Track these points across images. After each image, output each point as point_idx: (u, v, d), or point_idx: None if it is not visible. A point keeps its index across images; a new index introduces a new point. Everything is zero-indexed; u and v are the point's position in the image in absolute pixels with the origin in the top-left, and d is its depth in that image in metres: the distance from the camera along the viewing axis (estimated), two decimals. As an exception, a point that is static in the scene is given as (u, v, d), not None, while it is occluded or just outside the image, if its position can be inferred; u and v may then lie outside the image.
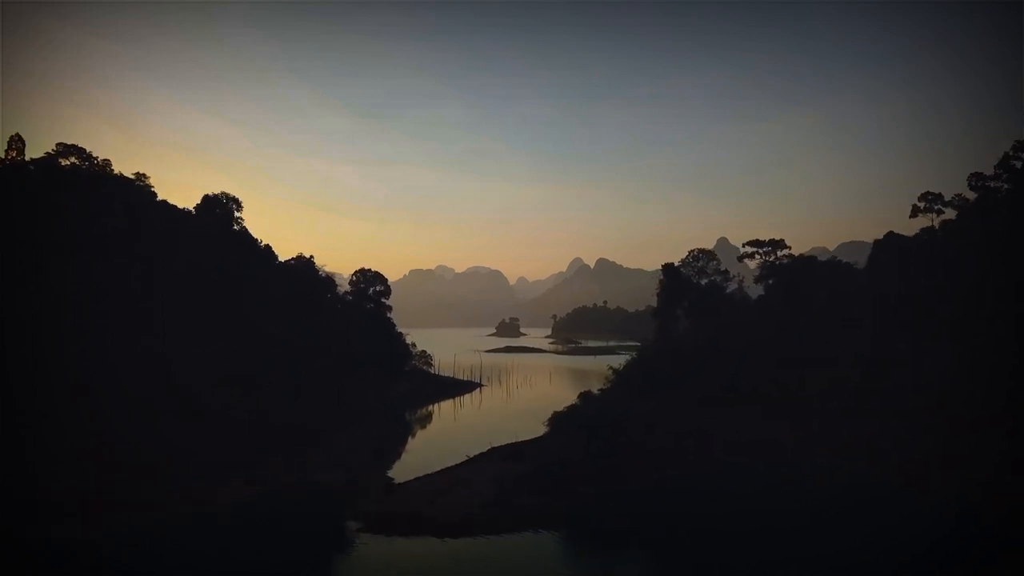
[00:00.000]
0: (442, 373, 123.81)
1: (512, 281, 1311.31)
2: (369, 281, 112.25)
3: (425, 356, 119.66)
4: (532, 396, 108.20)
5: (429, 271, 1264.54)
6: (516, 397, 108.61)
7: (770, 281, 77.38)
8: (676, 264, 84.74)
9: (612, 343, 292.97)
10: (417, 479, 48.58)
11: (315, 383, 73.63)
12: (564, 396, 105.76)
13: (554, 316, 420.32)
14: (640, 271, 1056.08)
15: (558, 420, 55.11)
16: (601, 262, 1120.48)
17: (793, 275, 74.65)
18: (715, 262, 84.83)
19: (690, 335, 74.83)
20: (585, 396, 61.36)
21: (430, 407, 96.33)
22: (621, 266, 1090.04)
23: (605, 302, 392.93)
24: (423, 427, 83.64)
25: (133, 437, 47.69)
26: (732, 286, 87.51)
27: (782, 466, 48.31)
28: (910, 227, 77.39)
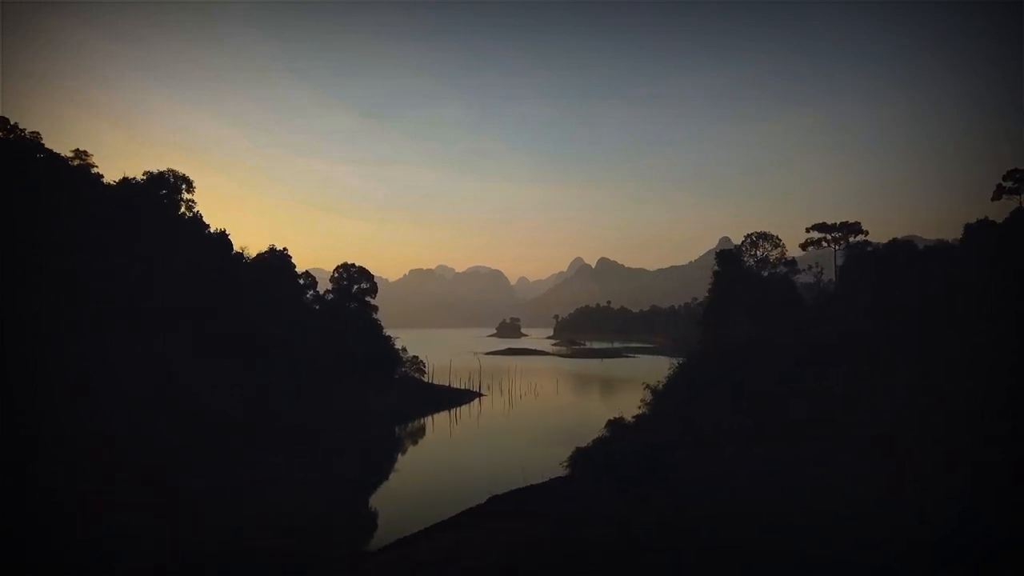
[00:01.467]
0: (436, 381, 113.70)
1: (512, 281, 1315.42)
2: (353, 278, 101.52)
3: (417, 363, 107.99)
4: (538, 408, 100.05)
5: (429, 271, 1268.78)
6: (520, 409, 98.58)
7: (858, 273, 64.55)
8: (733, 249, 69.48)
9: (617, 344, 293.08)
10: (391, 548, 35.63)
11: (301, 387, 72.46)
12: (574, 406, 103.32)
13: (556, 316, 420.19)
14: (642, 271, 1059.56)
15: (580, 459, 42.77)
16: (602, 261, 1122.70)
17: (888, 262, 62.53)
18: (779, 248, 69.42)
19: (752, 336, 62.09)
20: (615, 425, 50.31)
21: (421, 421, 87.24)
22: (622, 266, 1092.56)
23: (609, 302, 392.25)
24: (413, 443, 75.39)
25: (133, 437, 47.68)
26: (807, 278, 74.93)
27: (798, 465, 48.01)
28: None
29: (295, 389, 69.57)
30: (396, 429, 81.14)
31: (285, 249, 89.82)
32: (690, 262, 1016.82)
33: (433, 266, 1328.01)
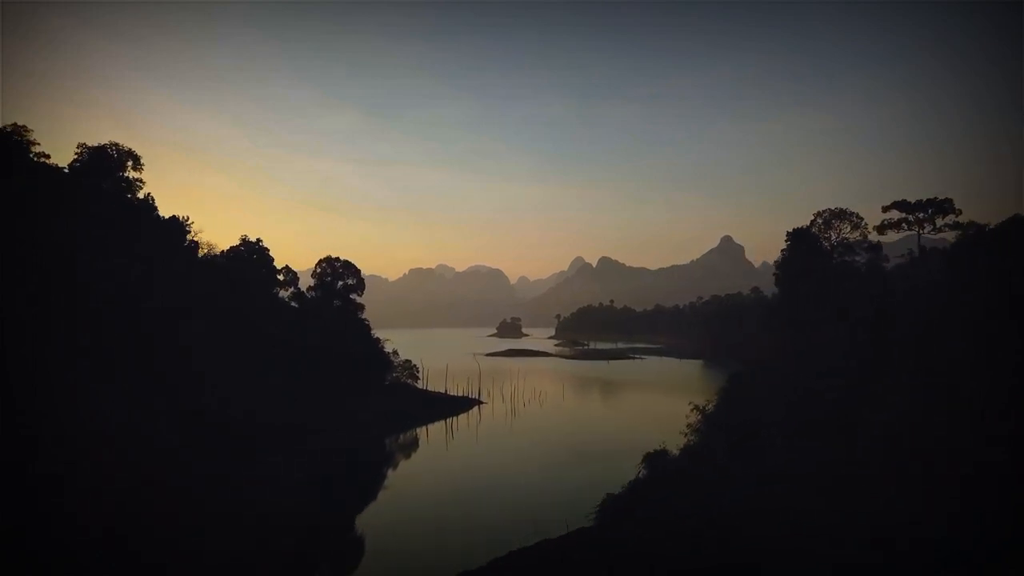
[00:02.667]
0: (432, 387, 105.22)
1: (513, 280, 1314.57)
2: (337, 273, 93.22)
3: (409, 367, 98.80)
4: (545, 417, 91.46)
5: (429, 270, 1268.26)
6: (524, 419, 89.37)
7: (972, 260, 49.56)
8: (806, 228, 58.78)
9: (621, 344, 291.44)
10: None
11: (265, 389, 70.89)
12: (585, 416, 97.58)
13: (558, 316, 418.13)
14: (643, 270, 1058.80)
15: (615, 507, 34.77)
16: (603, 261, 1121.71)
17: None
18: (860, 229, 59.40)
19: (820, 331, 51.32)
20: (655, 460, 40.61)
21: (413, 432, 79.38)
22: (624, 265, 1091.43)
23: (612, 301, 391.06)
24: (404, 459, 67.42)
25: (133, 437, 47.64)
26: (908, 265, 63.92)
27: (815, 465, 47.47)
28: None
29: (287, 392, 69.51)
30: (386, 442, 74.00)
31: (259, 241, 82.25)
32: (691, 261, 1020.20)
33: (433, 266, 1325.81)
